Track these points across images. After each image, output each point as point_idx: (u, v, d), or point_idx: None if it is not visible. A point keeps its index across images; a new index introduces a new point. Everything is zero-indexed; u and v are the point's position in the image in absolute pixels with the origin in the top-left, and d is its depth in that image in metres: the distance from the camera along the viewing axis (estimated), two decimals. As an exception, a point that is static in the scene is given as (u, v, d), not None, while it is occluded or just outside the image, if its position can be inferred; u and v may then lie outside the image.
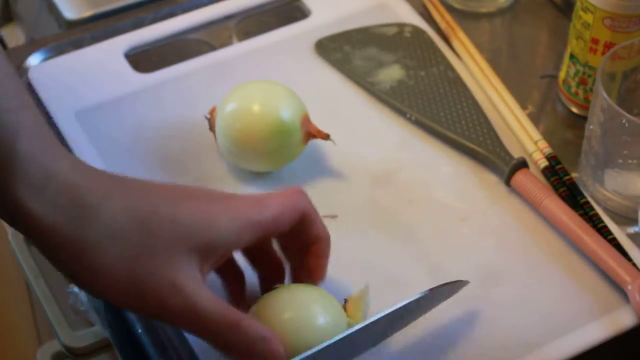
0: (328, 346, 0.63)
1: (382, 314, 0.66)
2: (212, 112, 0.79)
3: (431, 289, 0.68)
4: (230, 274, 0.70)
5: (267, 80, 0.81)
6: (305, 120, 0.78)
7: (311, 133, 0.79)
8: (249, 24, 0.96)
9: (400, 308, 0.66)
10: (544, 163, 0.81)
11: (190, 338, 0.70)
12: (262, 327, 0.63)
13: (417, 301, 0.67)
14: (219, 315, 0.62)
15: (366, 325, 0.65)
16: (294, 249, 0.70)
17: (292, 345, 0.64)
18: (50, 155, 0.60)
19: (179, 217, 0.62)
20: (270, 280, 0.70)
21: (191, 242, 0.62)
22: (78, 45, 0.92)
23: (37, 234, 0.60)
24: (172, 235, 0.62)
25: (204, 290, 0.62)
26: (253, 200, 0.66)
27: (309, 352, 0.63)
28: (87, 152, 0.82)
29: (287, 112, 0.77)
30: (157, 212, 0.62)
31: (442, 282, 0.70)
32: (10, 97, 0.59)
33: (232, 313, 0.62)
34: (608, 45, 0.82)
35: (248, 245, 0.65)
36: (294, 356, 0.63)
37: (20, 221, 0.59)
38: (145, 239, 0.61)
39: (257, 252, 0.71)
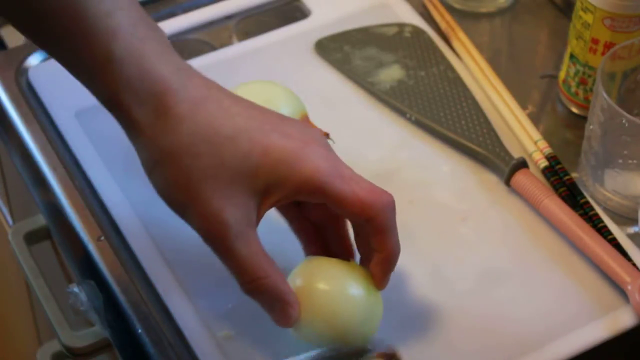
0: None
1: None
2: None
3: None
4: (298, 223, 0.71)
5: (267, 80, 0.81)
6: (305, 120, 0.78)
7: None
8: (249, 24, 0.96)
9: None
10: (544, 163, 0.81)
11: (191, 338, 0.70)
12: (284, 290, 0.65)
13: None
14: (249, 263, 0.64)
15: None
16: (363, 241, 0.68)
17: (320, 316, 0.66)
18: (148, 58, 0.62)
19: (253, 151, 0.63)
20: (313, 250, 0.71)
21: (254, 178, 0.63)
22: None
23: (128, 129, 0.64)
24: (240, 170, 0.62)
25: (245, 230, 0.63)
26: (336, 169, 0.65)
27: None
28: (87, 152, 0.82)
29: (286, 112, 0.77)
30: (234, 142, 0.63)
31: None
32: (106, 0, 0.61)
33: (262, 267, 0.64)
34: (608, 45, 0.82)
35: (304, 199, 0.65)
36: (318, 325, 0.66)
37: (119, 116, 0.63)
38: (215, 161, 0.62)
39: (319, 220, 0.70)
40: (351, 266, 0.68)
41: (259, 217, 0.65)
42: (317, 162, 0.64)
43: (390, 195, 0.66)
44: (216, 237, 0.64)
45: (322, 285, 0.67)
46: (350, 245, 0.71)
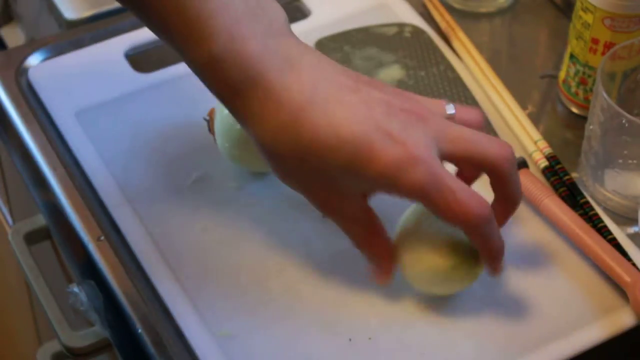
0: None
1: None
2: (211, 113, 0.79)
3: None
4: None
5: None
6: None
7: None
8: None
9: None
10: (544, 163, 0.81)
11: (191, 338, 0.70)
12: (386, 251, 0.69)
13: None
14: (362, 220, 0.68)
15: None
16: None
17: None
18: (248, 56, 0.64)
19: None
20: None
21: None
22: (78, 45, 0.91)
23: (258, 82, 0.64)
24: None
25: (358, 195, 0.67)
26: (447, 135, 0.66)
27: None
28: (87, 152, 0.82)
29: None
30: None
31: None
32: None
33: (371, 225, 0.68)
34: (608, 45, 0.82)
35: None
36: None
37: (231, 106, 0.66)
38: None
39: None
40: None
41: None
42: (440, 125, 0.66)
43: (506, 146, 0.67)
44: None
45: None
46: None
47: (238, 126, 0.76)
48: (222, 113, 0.78)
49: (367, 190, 0.67)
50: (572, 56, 0.85)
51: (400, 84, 0.87)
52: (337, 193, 0.67)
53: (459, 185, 0.65)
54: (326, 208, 0.68)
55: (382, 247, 0.70)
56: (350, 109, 0.65)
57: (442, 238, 0.69)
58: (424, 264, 0.69)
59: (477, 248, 0.68)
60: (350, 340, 0.70)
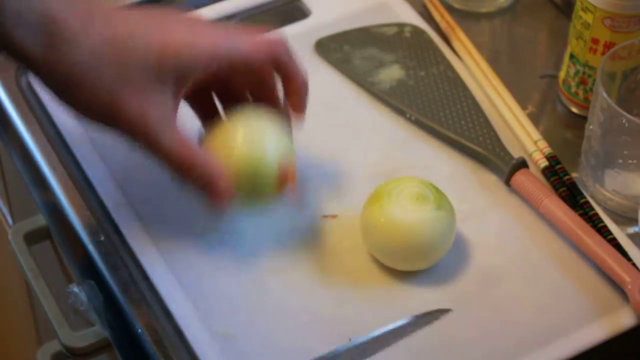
0: None
1: (360, 341, 0.67)
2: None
3: (415, 317, 0.70)
4: (199, 103, 0.76)
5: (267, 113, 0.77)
6: (284, 166, 0.74)
7: (285, 180, 0.74)
8: (249, 24, 0.96)
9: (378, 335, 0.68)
10: (543, 163, 0.81)
11: (191, 338, 0.70)
12: (213, 165, 0.70)
13: (395, 330, 0.68)
14: (177, 151, 0.69)
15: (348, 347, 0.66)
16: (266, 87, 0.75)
17: (245, 174, 0.72)
18: None
19: (152, 44, 0.68)
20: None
21: (162, 70, 0.68)
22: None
23: (25, 63, 0.67)
24: (145, 64, 0.68)
25: (168, 123, 0.69)
26: (228, 32, 0.71)
27: None
28: (87, 152, 0.82)
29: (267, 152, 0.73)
30: (132, 39, 0.68)
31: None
32: None
33: (189, 150, 0.70)
34: (608, 45, 0.82)
35: (213, 74, 0.71)
36: (246, 185, 0.72)
37: (10, 51, 0.66)
38: (120, 68, 0.67)
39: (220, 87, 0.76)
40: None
41: (177, 103, 0.71)
42: (212, 37, 0.70)
43: (280, 39, 0.73)
44: (143, 134, 0.69)
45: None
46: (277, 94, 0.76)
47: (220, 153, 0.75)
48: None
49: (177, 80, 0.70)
50: (572, 56, 0.85)
51: (400, 84, 0.87)
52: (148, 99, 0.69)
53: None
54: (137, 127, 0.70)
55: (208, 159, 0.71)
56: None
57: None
58: None
59: (289, 76, 0.73)
60: (349, 340, 0.70)
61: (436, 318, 0.71)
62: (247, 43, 0.72)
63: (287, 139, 0.75)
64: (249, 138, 0.72)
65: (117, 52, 0.67)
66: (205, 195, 0.71)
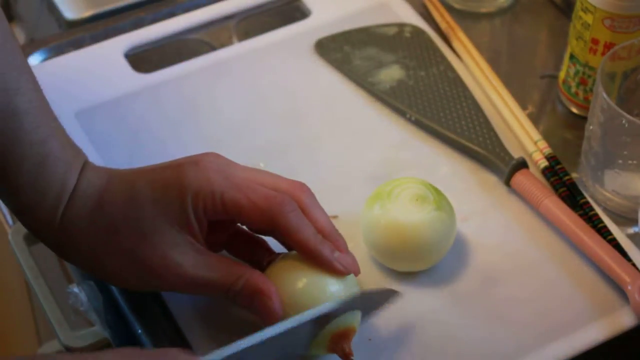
0: (251, 346, 0.63)
1: (302, 317, 0.65)
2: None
3: (361, 293, 0.68)
4: (237, 248, 0.73)
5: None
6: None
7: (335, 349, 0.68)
8: (249, 24, 0.96)
9: (319, 311, 0.66)
10: (543, 163, 0.81)
11: (191, 338, 0.70)
12: (262, 282, 0.67)
13: (344, 303, 0.66)
14: (217, 278, 0.67)
15: (290, 328, 0.64)
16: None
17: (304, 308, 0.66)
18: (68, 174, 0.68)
19: (156, 194, 0.67)
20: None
21: (169, 215, 0.66)
22: (78, 45, 0.92)
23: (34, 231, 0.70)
24: (156, 215, 0.66)
25: (199, 257, 0.67)
26: (230, 181, 0.67)
27: (230, 350, 0.63)
28: (87, 152, 0.81)
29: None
30: (141, 195, 0.67)
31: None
32: (41, 125, 0.67)
33: (232, 272, 0.67)
34: (608, 46, 0.82)
35: (215, 219, 0.68)
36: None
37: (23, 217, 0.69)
38: (133, 227, 0.66)
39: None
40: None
41: (203, 236, 0.68)
42: (210, 175, 0.67)
43: (284, 197, 0.68)
44: (180, 279, 0.67)
45: (299, 283, 0.68)
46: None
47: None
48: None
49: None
50: (572, 56, 0.85)
51: (400, 84, 0.87)
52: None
53: None
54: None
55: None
56: None
57: None
58: None
59: (294, 246, 0.68)
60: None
61: (386, 300, 0.70)
62: (249, 200, 0.67)
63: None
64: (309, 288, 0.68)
65: (131, 212, 0.67)
66: (256, 306, 0.68)
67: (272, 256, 0.71)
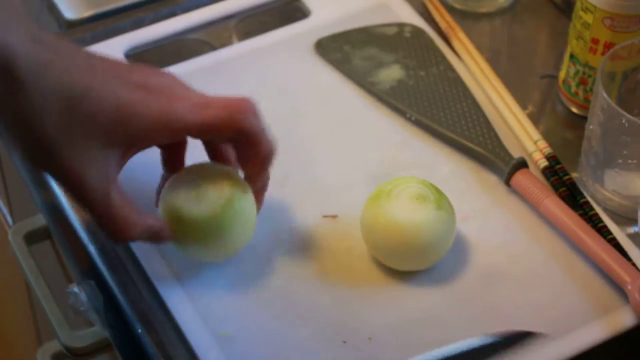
0: None
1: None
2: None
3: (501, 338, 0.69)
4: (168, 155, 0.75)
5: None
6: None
7: None
8: (249, 24, 0.96)
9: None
10: (543, 163, 0.81)
11: (191, 338, 0.70)
12: (155, 227, 0.69)
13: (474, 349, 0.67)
14: (113, 216, 0.67)
15: None
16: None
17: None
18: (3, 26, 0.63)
19: (104, 111, 0.65)
20: None
21: (111, 138, 0.66)
22: (78, 45, 0.91)
23: None
24: (93, 128, 0.65)
25: (107, 187, 0.67)
26: (192, 103, 0.68)
27: None
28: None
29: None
30: (84, 101, 0.65)
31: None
32: None
33: (127, 217, 0.68)
34: (608, 45, 0.82)
35: (167, 142, 0.69)
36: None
37: None
38: (66, 123, 0.65)
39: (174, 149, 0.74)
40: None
41: (122, 164, 0.69)
42: (163, 104, 0.67)
43: (241, 103, 0.69)
44: (79, 192, 0.67)
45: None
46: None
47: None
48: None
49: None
50: (572, 56, 0.85)
51: (400, 84, 0.87)
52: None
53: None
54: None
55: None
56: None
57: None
58: None
59: (253, 150, 0.70)
60: (345, 342, 0.70)
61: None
62: (199, 113, 0.68)
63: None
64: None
65: (67, 105, 0.65)
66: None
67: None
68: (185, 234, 0.71)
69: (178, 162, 0.75)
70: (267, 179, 0.74)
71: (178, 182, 0.72)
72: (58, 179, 0.68)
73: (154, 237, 0.70)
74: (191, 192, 0.71)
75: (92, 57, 0.68)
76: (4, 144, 0.85)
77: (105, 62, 0.68)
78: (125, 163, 0.69)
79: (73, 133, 0.65)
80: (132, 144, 0.68)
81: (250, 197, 0.72)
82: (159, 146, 0.74)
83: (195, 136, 0.69)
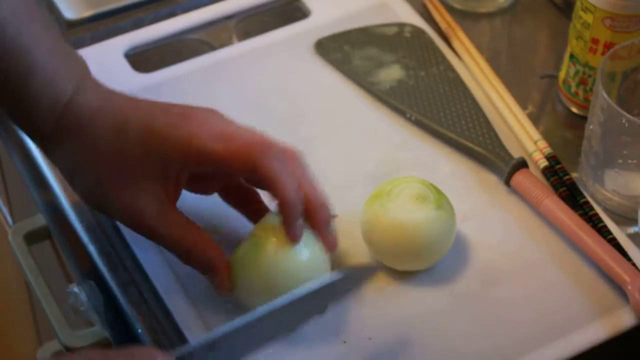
0: (230, 332, 0.64)
1: (279, 302, 0.65)
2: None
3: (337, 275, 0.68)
4: (233, 195, 0.74)
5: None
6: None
7: None
8: (249, 24, 0.96)
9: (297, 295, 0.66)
10: (543, 163, 0.81)
11: (191, 338, 0.70)
12: (214, 256, 0.69)
13: (320, 288, 0.66)
14: (174, 238, 0.69)
15: (266, 313, 0.65)
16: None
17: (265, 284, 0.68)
18: (56, 84, 0.68)
19: (142, 140, 0.68)
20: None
21: (152, 165, 0.68)
22: (78, 45, 0.92)
23: (35, 139, 0.72)
24: (137, 159, 0.68)
25: (164, 213, 0.69)
26: (213, 131, 0.68)
27: (210, 336, 0.63)
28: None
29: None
30: (125, 136, 0.68)
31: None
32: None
33: (187, 238, 0.69)
34: (608, 45, 0.82)
35: (197, 171, 0.70)
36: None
37: (25, 127, 0.71)
38: (116, 162, 0.69)
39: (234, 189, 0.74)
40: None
41: (177, 192, 0.70)
42: (192, 129, 0.68)
43: (268, 143, 0.68)
44: (137, 224, 0.70)
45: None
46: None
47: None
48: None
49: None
50: (572, 56, 0.85)
51: (400, 84, 0.87)
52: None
53: None
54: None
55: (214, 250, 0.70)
56: None
57: None
58: None
59: (274, 196, 0.69)
60: (345, 342, 0.70)
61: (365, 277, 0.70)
62: (227, 149, 0.68)
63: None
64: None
65: (113, 144, 0.68)
66: (209, 276, 0.71)
67: (263, 211, 0.73)
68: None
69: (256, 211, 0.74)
70: (327, 227, 0.71)
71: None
72: (115, 216, 0.72)
73: (210, 268, 0.70)
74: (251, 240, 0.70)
75: (135, 99, 0.71)
76: (4, 144, 0.85)
77: (150, 101, 0.71)
78: (178, 186, 0.70)
79: (123, 171, 0.69)
80: (171, 168, 0.69)
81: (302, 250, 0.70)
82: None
83: (217, 166, 0.68)
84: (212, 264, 0.69)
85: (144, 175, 0.68)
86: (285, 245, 0.69)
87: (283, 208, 0.68)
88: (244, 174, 0.70)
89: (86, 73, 0.71)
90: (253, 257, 0.69)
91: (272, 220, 0.70)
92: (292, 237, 0.68)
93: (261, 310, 0.64)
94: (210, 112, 0.70)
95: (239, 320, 0.64)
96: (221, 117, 0.70)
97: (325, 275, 0.68)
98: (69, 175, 0.71)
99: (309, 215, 0.70)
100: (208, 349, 0.63)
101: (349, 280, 0.68)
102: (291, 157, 0.70)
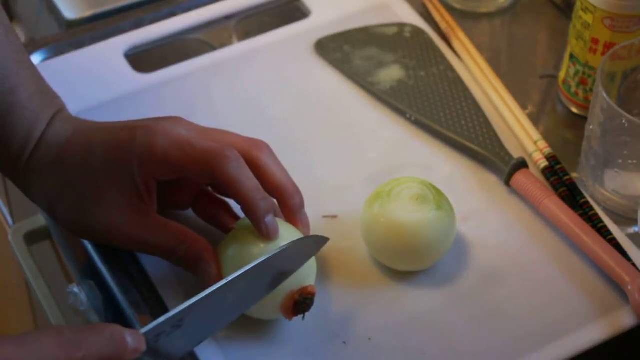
0: (193, 304, 0.64)
1: (236, 273, 0.66)
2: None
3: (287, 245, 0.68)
4: (204, 208, 0.75)
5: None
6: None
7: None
8: (249, 24, 0.96)
9: (255, 266, 0.66)
10: (543, 163, 0.81)
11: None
12: (203, 248, 0.69)
13: (273, 257, 0.67)
14: (159, 243, 0.70)
15: (225, 283, 0.65)
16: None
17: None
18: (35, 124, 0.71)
19: (105, 154, 0.70)
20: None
21: (121, 177, 0.69)
22: (78, 45, 0.92)
23: (21, 185, 0.74)
24: (105, 175, 0.70)
25: (142, 221, 0.70)
26: (174, 140, 0.69)
27: (174, 311, 0.63)
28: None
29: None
30: (90, 154, 0.71)
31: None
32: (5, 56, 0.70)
33: (172, 237, 0.70)
34: (608, 45, 0.82)
35: (163, 179, 0.70)
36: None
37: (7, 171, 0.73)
38: (84, 182, 0.70)
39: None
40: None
41: (151, 199, 0.71)
42: (153, 139, 0.69)
43: (224, 148, 0.69)
44: (121, 236, 0.71)
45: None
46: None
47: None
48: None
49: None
50: (572, 56, 0.85)
51: (400, 84, 0.87)
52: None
53: None
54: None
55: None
56: None
57: None
58: None
59: (235, 198, 0.69)
60: (345, 342, 0.70)
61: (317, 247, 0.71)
62: (187, 156, 0.69)
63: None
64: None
65: (84, 168, 0.70)
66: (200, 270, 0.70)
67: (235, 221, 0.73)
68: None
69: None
70: (304, 220, 0.72)
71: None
72: (97, 238, 0.73)
73: (199, 260, 0.70)
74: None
75: (105, 123, 0.73)
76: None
77: (116, 122, 0.73)
78: (149, 187, 0.70)
79: (93, 189, 0.70)
80: (133, 176, 0.70)
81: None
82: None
83: (178, 173, 0.70)
84: (200, 255, 0.69)
85: (114, 189, 0.70)
86: (266, 240, 0.69)
87: (246, 209, 0.69)
88: (205, 180, 0.70)
89: (61, 109, 0.74)
90: (236, 255, 0.69)
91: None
92: (265, 235, 0.69)
93: (220, 282, 0.65)
94: (175, 121, 0.71)
95: (201, 294, 0.64)
96: (186, 126, 0.71)
97: (308, 260, 0.69)
98: (48, 209, 0.73)
99: (281, 204, 0.72)
100: (174, 325, 0.63)
101: (299, 248, 0.69)
102: (258, 148, 0.71)
